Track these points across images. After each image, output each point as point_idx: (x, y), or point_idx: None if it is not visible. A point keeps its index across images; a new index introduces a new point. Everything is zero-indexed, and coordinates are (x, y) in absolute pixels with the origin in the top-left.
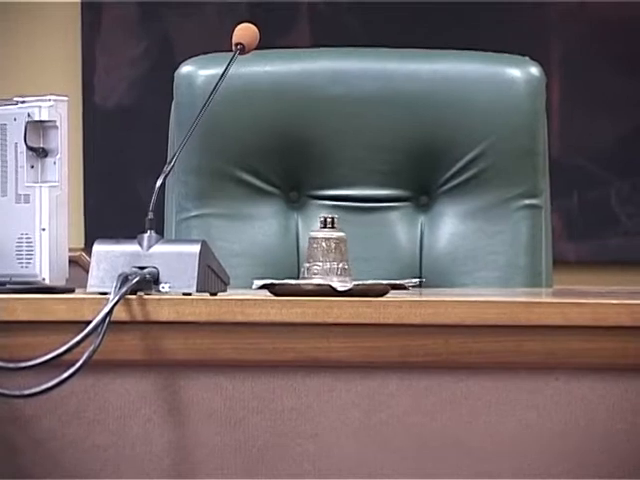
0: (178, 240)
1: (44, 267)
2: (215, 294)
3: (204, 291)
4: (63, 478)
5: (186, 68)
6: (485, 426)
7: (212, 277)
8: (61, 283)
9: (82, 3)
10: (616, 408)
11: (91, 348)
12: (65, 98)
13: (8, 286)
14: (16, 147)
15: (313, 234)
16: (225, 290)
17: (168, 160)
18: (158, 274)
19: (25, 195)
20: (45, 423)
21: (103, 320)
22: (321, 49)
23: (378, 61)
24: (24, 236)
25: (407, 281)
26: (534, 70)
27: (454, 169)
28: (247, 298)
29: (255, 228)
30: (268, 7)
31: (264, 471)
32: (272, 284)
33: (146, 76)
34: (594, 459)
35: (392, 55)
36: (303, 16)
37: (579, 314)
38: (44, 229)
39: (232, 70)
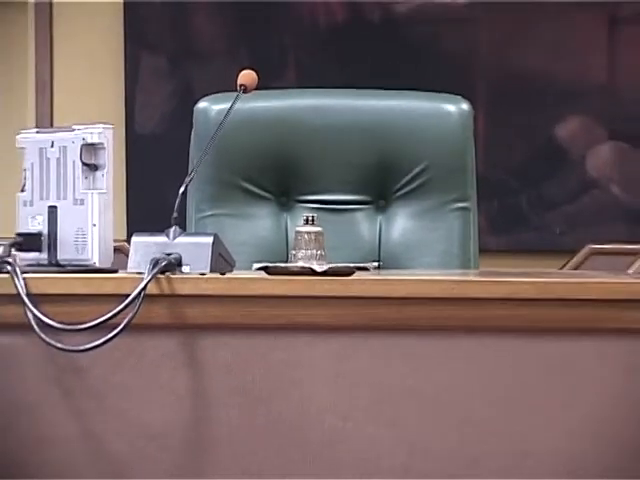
0: (196, 233)
1: (95, 253)
2: (224, 274)
3: (216, 271)
4: (109, 412)
5: (202, 104)
6: (430, 375)
7: (222, 261)
8: (107, 265)
9: (125, 55)
10: (526, 361)
11: (130, 315)
12: (111, 126)
13: (68, 268)
14: (74, 163)
15: (298, 229)
16: (232, 271)
17: (189, 173)
18: (181, 259)
19: (80, 199)
20: (95, 371)
21: (139, 294)
22: (304, 89)
23: (347, 99)
24: (80, 230)
25: (369, 264)
26: (464, 106)
27: (404, 180)
28: (248, 277)
29: (254, 224)
30: (265, 57)
31: (263, 407)
32: (267, 266)
33: (173, 109)
34: (512, 402)
35: (358, 94)
36: (291, 64)
37: (498, 289)
38: (95, 225)
39: (237, 105)
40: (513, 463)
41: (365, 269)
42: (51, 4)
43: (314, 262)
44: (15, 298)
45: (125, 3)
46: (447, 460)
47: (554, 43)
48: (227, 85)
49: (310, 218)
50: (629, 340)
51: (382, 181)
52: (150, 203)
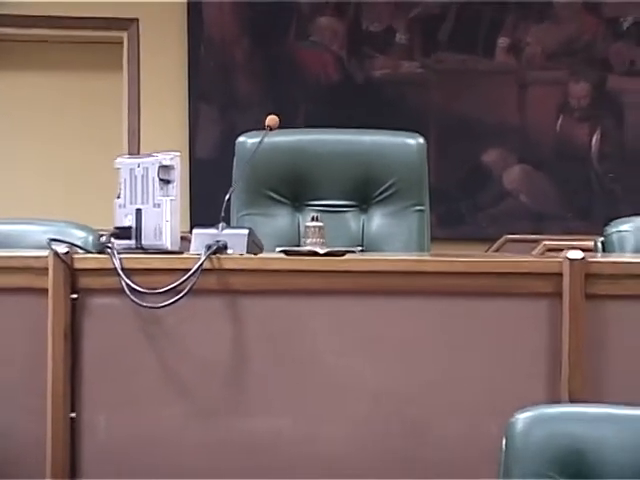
0: (236, 227)
1: (167, 240)
2: (256, 254)
3: (250, 253)
4: (177, 350)
5: (241, 138)
6: (397, 325)
7: (254, 246)
8: (176, 249)
9: (189, 105)
10: (460, 315)
11: (192, 283)
12: (179, 153)
13: (149, 250)
14: (153, 179)
15: (307, 224)
16: (261, 252)
17: (232, 186)
18: (226, 244)
19: (158, 203)
20: (168, 322)
21: (198, 268)
22: (310, 129)
23: (340, 135)
24: (157, 225)
25: (355, 248)
26: (420, 140)
27: (379, 191)
28: (272, 257)
29: (276, 221)
30: (284, 106)
31: (282, 347)
32: (286, 250)
33: (221, 142)
34: (452, 341)
35: (347, 131)
36: (301, 111)
37: (442, 266)
38: (167, 221)
39: (265, 139)
40: (452, 383)
41: (353, 252)
42: (138, 71)
43: (318, 247)
44: (113, 271)
45: (189, 69)
46: (405, 380)
47: (482, 99)
48: (258, 125)
49: (315, 217)
50: (533, 301)
51: (364, 191)
52: (205, 206)
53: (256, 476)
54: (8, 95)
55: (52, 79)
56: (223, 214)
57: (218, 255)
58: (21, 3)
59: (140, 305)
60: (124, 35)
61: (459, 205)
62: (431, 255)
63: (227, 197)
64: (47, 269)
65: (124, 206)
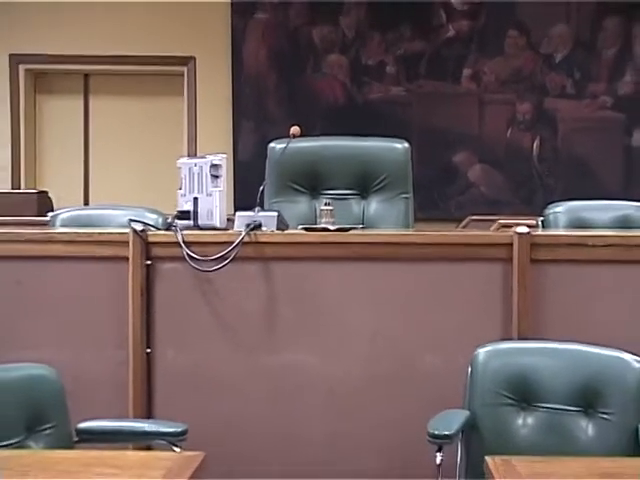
0: (269, 210)
1: (217, 220)
2: (283, 230)
3: (279, 229)
4: (226, 304)
5: (272, 144)
6: (388, 283)
7: (282, 224)
8: (223, 226)
9: (233, 120)
10: (431, 275)
11: (235, 252)
12: (225, 155)
13: (203, 228)
14: (206, 174)
15: (321, 207)
16: (287, 229)
17: (265, 180)
18: (261, 223)
19: (210, 193)
20: (218, 282)
21: (239, 241)
22: (323, 137)
23: (345, 141)
24: (209, 209)
25: (357, 226)
26: (406, 144)
27: (375, 183)
28: (296, 232)
29: (298, 206)
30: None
31: (303, 300)
32: (305, 227)
33: (257, 147)
34: (425, 293)
35: (351, 139)
36: (317, 124)
37: (420, 238)
38: (216, 206)
39: (289, 145)
40: (430, 326)
41: (355, 228)
42: (195, 96)
43: (329, 225)
44: (176, 244)
45: (233, 94)
46: (395, 324)
47: (451, 114)
48: (284, 135)
49: (327, 202)
50: (491, 264)
51: (363, 183)
52: (245, 195)
53: (282, 395)
54: (103, 114)
55: (133, 102)
56: (258, 201)
57: (255, 231)
58: (111, 46)
59: (196, 269)
60: (184, 69)
61: (434, 194)
62: (414, 231)
63: (261, 188)
64: (128, 242)
65: (184, 195)
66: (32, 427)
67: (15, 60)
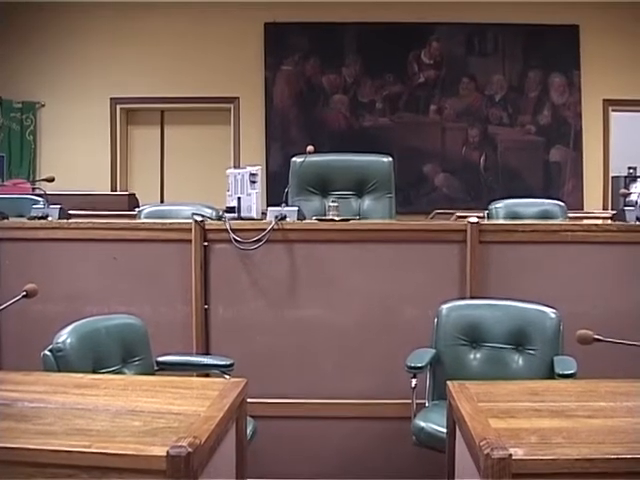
0: (291, 206)
1: (254, 213)
2: (302, 220)
3: (299, 220)
4: (259, 271)
5: (294, 158)
6: (378, 257)
7: (301, 216)
8: (259, 218)
9: (266, 142)
10: (408, 253)
11: (267, 236)
12: (260, 167)
13: (245, 219)
14: (247, 180)
15: (329, 204)
16: (304, 220)
17: (289, 185)
18: (286, 215)
19: (249, 194)
20: (255, 257)
21: (270, 228)
22: (331, 153)
23: (347, 157)
24: (249, 205)
25: (355, 217)
26: (390, 159)
27: (368, 186)
28: (311, 222)
29: (313, 203)
30: (316, 142)
31: (317, 270)
32: (318, 218)
33: (283, 160)
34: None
35: (351, 155)
36: (326, 144)
37: (399, 226)
38: (254, 203)
39: (307, 159)
40: (409, 288)
41: (354, 219)
42: (239, 125)
43: (335, 217)
44: (226, 230)
45: (265, 123)
46: (383, 286)
47: (422, 137)
48: (302, 152)
49: (334, 200)
50: (451, 245)
51: (360, 187)
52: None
53: (301, 338)
54: (174, 139)
55: (195, 130)
56: (284, 199)
57: (281, 221)
58: (180, 90)
59: (240, 248)
60: (231, 106)
61: (410, 194)
62: (396, 221)
63: (286, 191)
64: (191, 229)
65: (231, 195)
66: (126, 359)
67: (114, 102)
